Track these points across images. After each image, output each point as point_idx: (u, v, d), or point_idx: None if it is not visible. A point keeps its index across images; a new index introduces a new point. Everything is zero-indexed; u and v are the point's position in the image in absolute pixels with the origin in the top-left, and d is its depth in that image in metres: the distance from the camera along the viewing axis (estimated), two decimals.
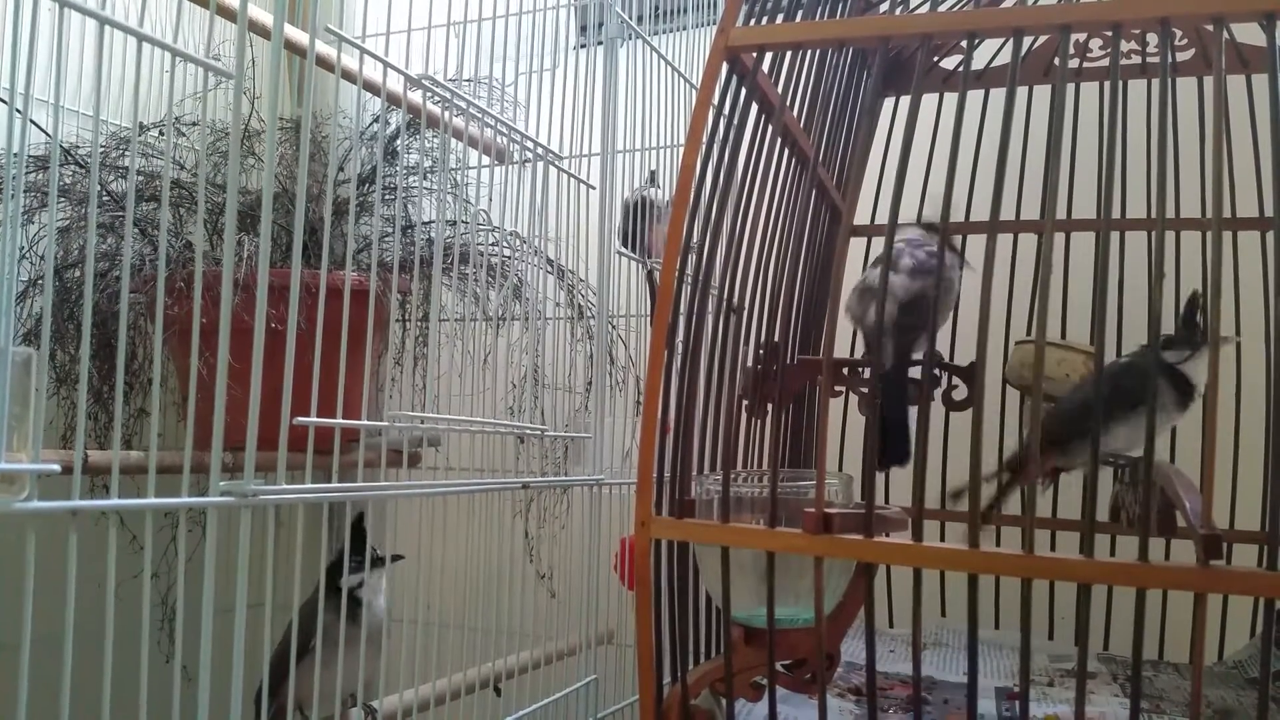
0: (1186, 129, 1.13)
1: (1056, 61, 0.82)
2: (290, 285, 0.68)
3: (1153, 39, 1.13)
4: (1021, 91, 1.14)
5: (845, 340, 1.21)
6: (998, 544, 0.65)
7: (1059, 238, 1.19)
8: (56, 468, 0.56)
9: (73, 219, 1.01)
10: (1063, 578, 0.64)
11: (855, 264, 1.18)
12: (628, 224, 1.20)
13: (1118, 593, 1.13)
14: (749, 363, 0.91)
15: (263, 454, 0.66)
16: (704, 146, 0.77)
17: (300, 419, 0.69)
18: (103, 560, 0.59)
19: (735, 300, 0.81)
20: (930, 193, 1.20)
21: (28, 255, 0.99)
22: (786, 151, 0.92)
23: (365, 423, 0.85)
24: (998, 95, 1.18)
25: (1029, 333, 1.19)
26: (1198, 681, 0.59)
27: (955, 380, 1.10)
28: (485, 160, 1.11)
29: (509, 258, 1.09)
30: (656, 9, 1.24)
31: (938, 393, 1.10)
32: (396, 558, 0.99)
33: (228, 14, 0.86)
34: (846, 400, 1.23)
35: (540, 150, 1.06)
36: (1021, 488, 0.83)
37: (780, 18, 0.81)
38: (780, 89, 0.82)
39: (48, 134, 0.60)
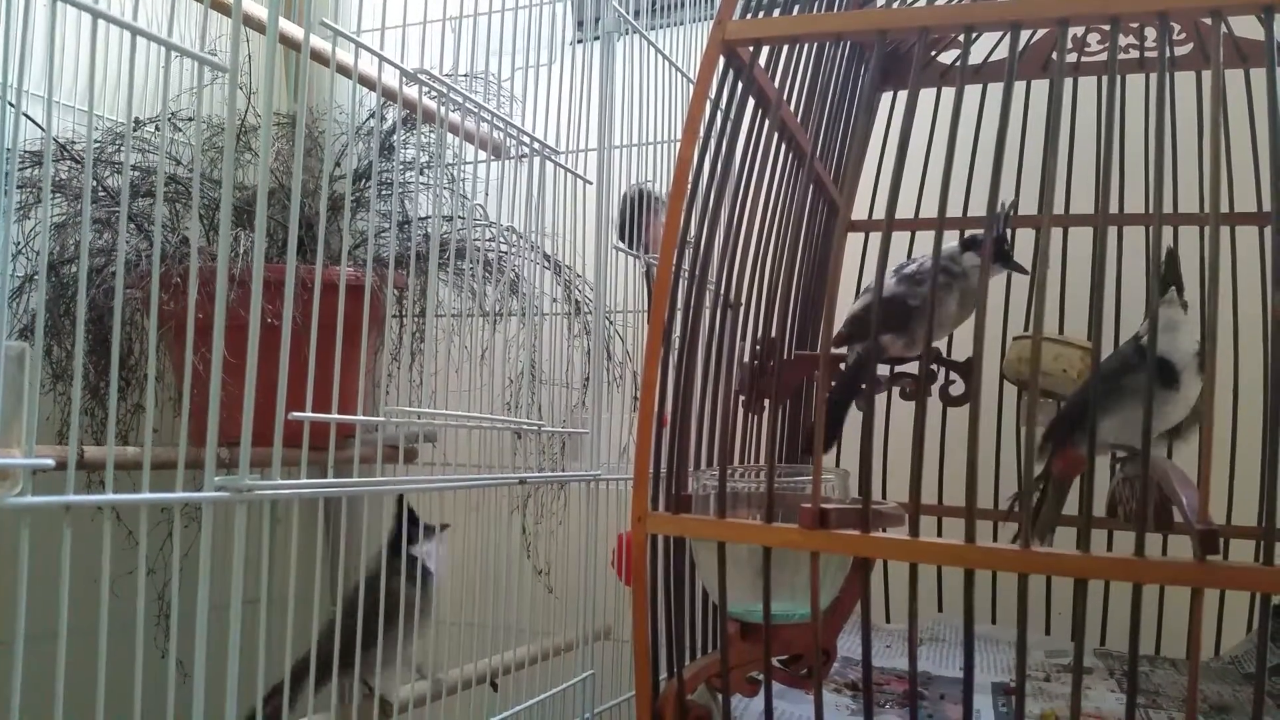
0: (1184, 123, 1.13)
1: (1054, 56, 0.82)
2: (286, 281, 0.68)
3: (1150, 33, 1.13)
4: (1019, 86, 1.14)
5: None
6: (994, 539, 0.65)
7: (1056, 232, 1.19)
8: (51, 463, 0.55)
9: (68, 214, 1.00)
10: (1059, 573, 0.64)
11: (853, 259, 1.18)
12: (624, 219, 1.20)
13: (1114, 588, 1.13)
14: (746, 358, 0.91)
15: (258, 449, 0.66)
16: (701, 141, 0.76)
17: (296, 414, 0.69)
18: (97, 556, 0.59)
19: (732, 295, 0.81)
20: (927, 188, 1.20)
21: (23, 251, 0.98)
22: (784, 146, 0.91)
23: (361, 418, 0.85)
24: (995, 89, 1.18)
25: (1026, 328, 1.19)
26: (1194, 677, 0.59)
27: (953, 375, 1.10)
28: (482, 155, 1.11)
29: (506, 253, 1.09)
30: (653, 3, 1.24)
31: (935, 388, 1.10)
32: (444, 527, 1.00)
33: (223, 8, 0.86)
34: None
35: (537, 145, 1.05)
36: (1021, 486, 0.83)
37: (777, 11, 0.81)
38: (777, 83, 0.82)
39: (42, 129, 0.60)
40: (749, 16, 0.77)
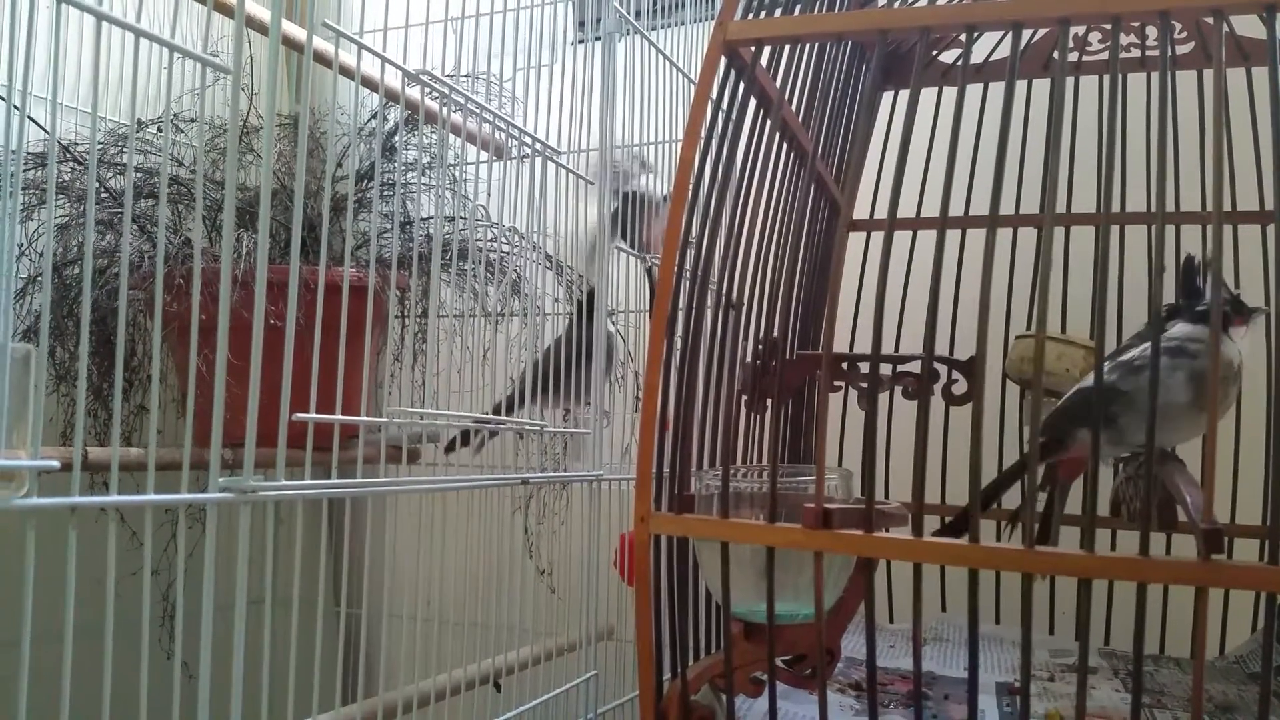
0: (1186, 122, 1.13)
1: (1055, 55, 0.82)
2: (289, 282, 0.68)
3: (1152, 32, 1.13)
4: (1020, 85, 1.14)
5: (845, 335, 1.22)
6: (998, 539, 0.65)
7: (1059, 231, 1.18)
8: (56, 464, 0.55)
9: (71, 216, 1.01)
10: (1063, 572, 0.64)
11: (854, 258, 1.18)
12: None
13: (1119, 587, 1.13)
14: (748, 358, 0.91)
15: (262, 450, 0.66)
16: (702, 141, 0.76)
17: (299, 415, 0.69)
18: (102, 557, 0.59)
19: (734, 295, 0.81)
20: (929, 187, 1.20)
21: (27, 252, 0.99)
22: (785, 146, 0.91)
23: (365, 419, 0.85)
24: (997, 89, 1.18)
25: (1029, 327, 1.18)
26: (1199, 676, 0.59)
27: (955, 374, 1.10)
28: (484, 156, 1.11)
29: (508, 253, 1.09)
30: (654, 4, 1.24)
31: (938, 387, 1.10)
32: None
33: (225, 10, 0.86)
34: (846, 395, 1.23)
35: (539, 146, 1.05)
36: (1022, 484, 0.83)
37: (778, 11, 0.81)
38: (779, 83, 0.82)
39: (46, 130, 0.60)
40: (750, 17, 0.77)
